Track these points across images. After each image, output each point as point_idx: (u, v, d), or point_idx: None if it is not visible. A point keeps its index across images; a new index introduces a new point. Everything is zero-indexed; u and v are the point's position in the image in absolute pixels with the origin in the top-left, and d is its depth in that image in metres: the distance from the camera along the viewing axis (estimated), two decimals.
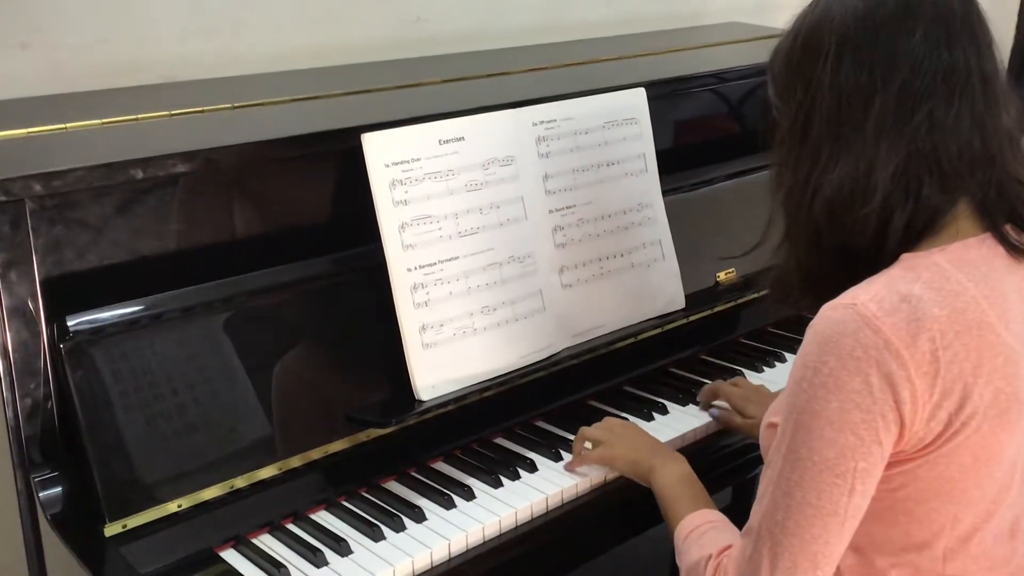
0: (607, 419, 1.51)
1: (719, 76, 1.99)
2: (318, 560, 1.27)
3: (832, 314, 1.04)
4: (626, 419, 1.58)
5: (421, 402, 1.43)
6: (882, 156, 1.06)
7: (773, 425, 1.17)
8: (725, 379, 1.68)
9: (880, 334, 1.01)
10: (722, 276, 1.83)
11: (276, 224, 1.47)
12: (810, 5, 1.13)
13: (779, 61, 1.15)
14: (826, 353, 1.02)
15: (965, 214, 1.10)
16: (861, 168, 1.07)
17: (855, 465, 1.02)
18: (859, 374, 1.01)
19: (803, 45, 1.11)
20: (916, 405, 1.02)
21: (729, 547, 1.16)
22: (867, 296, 1.03)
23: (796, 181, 1.13)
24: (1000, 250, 1.10)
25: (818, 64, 1.09)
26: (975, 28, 1.08)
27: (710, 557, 1.16)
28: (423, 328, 1.44)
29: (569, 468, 1.45)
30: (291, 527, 1.34)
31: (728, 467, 1.61)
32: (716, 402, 1.63)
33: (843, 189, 1.08)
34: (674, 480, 1.34)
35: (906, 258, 1.07)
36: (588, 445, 1.46)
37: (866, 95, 1.07)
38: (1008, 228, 1.11)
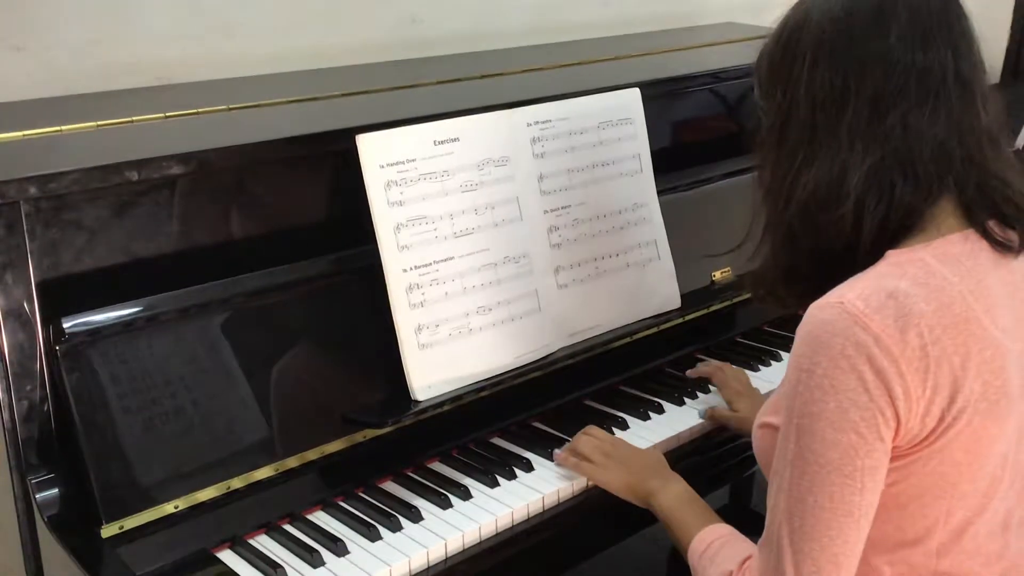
0: (596, 433, 1.48)
1: (714, 76, 1.99)
2: (315, 560, 1.27)
3: (820, 314, 1.04)
4: (623, 419, 1.59)
5: (417, 402, 1.43)
6: (855, 160, 1.07)
7: (766, 426, 1.17)
8: None
9: (869, 331, 1.01)
10: (718, 275, 1.83)
11: (271, 225, 1.47)
12: (794, 7, 1.14)
13: (763, 62, 1.16)
14: (818, 354, 1.03)
15: (948, 211, 1.10)
16: (834, 172, 1.07)
17: (861, 463, 1.02)
18: (853, 372, 1.01)
19: (783, 48, 1.12)
20: (910, 401, 1.02)
21: (747, 559, 1.15)
22: (854, 294, 1.03)
23: (774, 182, 1.14)
24: (984, 245, 1.10)
25: (795, 67, 1.10)
26: (952, 28, 1.08)
27: (731, 573, 1.16)
28: (419, 328, 1.44)
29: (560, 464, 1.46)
30: (288, 528, 1.34)
31: (725, 465, 1.62)
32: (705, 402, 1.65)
33: (817, 192, 1.08)
34: (676, 501, 1.33)
35: (891, 255, 1.08)
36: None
37: (840, 99, 1.07)
38: (992, 224, 1.11)
